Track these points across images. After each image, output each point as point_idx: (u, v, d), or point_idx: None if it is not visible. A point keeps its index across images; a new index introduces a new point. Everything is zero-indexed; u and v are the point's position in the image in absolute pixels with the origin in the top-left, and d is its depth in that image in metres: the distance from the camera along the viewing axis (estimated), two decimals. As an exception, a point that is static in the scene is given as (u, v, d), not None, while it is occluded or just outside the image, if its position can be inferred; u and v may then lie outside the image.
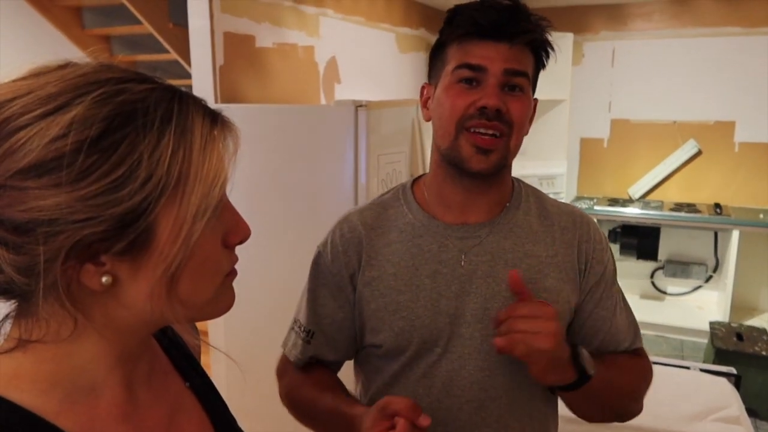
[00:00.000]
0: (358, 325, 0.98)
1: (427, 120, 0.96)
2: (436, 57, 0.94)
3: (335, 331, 0.99)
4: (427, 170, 1.00)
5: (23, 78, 0.48)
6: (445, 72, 0.90)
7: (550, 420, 0.99)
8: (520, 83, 0.87)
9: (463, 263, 0.91)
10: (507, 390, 0.91)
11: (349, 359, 1.05)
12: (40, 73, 0.48)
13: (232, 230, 0.56)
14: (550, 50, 0.91)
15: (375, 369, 0.98)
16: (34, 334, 0.50)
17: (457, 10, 0.90)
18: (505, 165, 0.92)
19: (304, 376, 1.02)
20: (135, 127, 0.47)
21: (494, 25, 0.85)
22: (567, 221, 0.96)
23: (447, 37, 0.91)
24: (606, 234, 4.19)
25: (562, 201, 1.03)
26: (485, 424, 0.91)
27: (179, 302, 0.52)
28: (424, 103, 0.97)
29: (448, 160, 0.91)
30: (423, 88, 0.98)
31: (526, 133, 0.94)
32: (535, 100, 0.95)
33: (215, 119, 0.53)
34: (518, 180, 1.01)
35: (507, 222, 0.94)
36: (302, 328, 1.01)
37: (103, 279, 0.48)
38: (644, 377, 0.98)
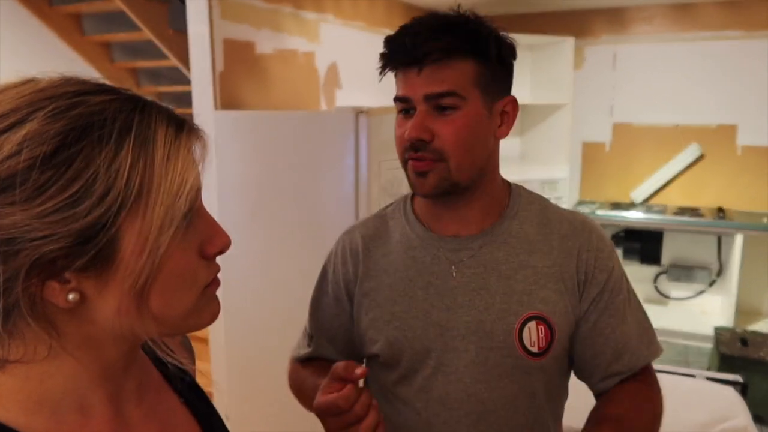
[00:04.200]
0: (357, 335, 0.99)
1: None
2: None
3: (334, 336, 1.03)
4: None
5: None
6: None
7: None
8: (449, 103, 0.85)
9: (454, 275, 0.91)
10: (505, 403, 0.90)
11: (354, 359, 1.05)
12: None
13: (208, 240, 0.54)
14: (490, 44, 0.86)
15: (375, 378, 0.99)
16: (11, 354, 0.49)
17: (384, 42, 0.89)
18: (455, 185, 0.88)
19: (304, 364, 1.07)
20: (90, 141, 0.46)
21: (402, 53, 0.85)
22: (567, 229, 0.93)
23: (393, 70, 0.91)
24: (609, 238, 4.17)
25: (567, 209, 1.00)
26: None
27: (151, 317, 0.50)
28: None
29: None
30: None
31: (502, 136, 0.92)
32: (509, 98, 0.92)
33: (181, 127, 0.51)
34: (519, 188, 1.00)
35: (501, 233, 0.93)
36: (308, 332, 1.07)
37: (70, 296, 0.47)
38: (654, 418, 0.90)
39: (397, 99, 0.89)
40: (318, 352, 1.04)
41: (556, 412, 0.98)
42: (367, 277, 0.97)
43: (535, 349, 0.88)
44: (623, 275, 0.95)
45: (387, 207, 1.05)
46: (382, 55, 0.89)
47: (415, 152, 0.86)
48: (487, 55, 0.86)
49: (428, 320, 0.91)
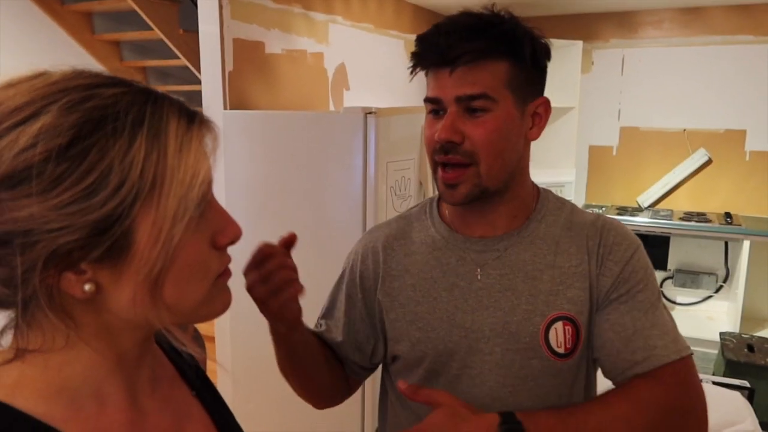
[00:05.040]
0: (380, 335, 0.99)
1: None
2: None
3: (343, 330, 1.02)
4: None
5: None
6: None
7: None
8: (480, 105, 0.84)
9: (479, 277, 0.90)
10: (531, 406, 0.86)
11: (354, 351, 1.03)
12: (11, 84, 0.48)
13: (220, 231, 0.55)
14: (524, 44, 0.85)
15: (397, 377, 0.98)
16: (30, 343, 0.50)
17: (415, 42, 0.89)
18: (486, 190, 0.87)
19: None
20: (104, 133, 0.46)
21: (435, 54, 0.84)
22: (591, 229, 0.92)
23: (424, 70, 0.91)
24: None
25: (593, 212, 0.99)
26: None
27: (165, 306, 0.51)
28: None
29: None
30: None
31: (534, 138, 0.91)
32: (541, 99, 0.90)
33: (192, 119, 0.52)
34: (548, 192, 0.99)
35: (528, 234, 0.92)
36: (318, 321, 1.06)
37: (86, 287, 0.48)
38: (617, 420, 0.80)
39: (427, 100, 0.88)
40: (324, 333, 1.04)
41: None
42: (389, 277, 0.96)
43: (561, 350, 0.86)
44: (648, 274, 0.91)
45: (412, 208, 1.04)
46: (414, 54, 0.88)
47: (445, 154, 0.85)
48: (522, 56, 0.85)
49: (452, 322, 0.90)
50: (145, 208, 0.48)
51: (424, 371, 0.92)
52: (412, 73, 0.90)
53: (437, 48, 0.84)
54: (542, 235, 0.92)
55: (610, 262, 0.89)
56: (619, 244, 0.90)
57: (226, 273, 0.57)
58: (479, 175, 0.86)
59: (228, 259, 0.57)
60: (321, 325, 1.05)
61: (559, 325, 0.86)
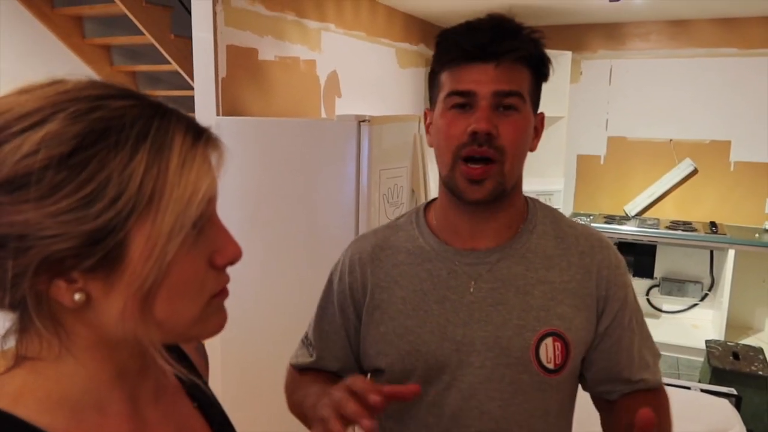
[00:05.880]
0: (362, 348, 0.96)
1: (431, 146, 0.95)
2: (432, 83, 0.93)
3: (337, 347, 1.00)
4: (429, 187, 1.00)
5: (8, 95, 0.48)
6: (440, 99, 0.89)
7: None
8: (513, 103, 0.85)
9: (472, 290, 0.89)
10: (519, 420, 0.88)
11: (354, 372, 1.03)
12: (26, 90, 0.48)
13: (218, 251, 0.54)
14: (547, 62, 0.89)
15: None
16: (29, 350, 0.50)
17: (443, 36, 0.89)
18: (504, 190, 0.88)
19: (303, 372, 1.03)
20: (107, 145, 0.46)
21: (478, 47, 0.83)
22: (585, 245, 0.93)
23: (437, 64, 0.90)
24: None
25: (579, 222, 1.00)
26: None
27: (155, 323, 0.50)
28: (428, 129, 0.96)
29: (449, 189, 0.90)
30: (425, 113, 0.97)
31: (533, 149, 0.93)
32: (541, 114, 0.93)
33: (199, 136, 0.51)
34: (534, 200, 0.99)
35: (519, 247, 0.92)
36: (309, 341, 1.03)
37: (76, 296, 0.47)
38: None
39: (456, 93, 0.86)
40: (319, 363, 1.01)
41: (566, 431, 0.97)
42: (378, 288, 0.94)
43: (551, 366, 0.87)
44: (635, 294, 0.97)
45: (399, 218, 1.02)
46: (449, 46, 0.86)
47: (479, 146, 0.84)
48: (542, 69, 0.89)
49: (443, 335, 0.89)
50: (140, 221, 0.47)
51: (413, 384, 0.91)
52: (440, 67, 0.88)
53: (479, 42, 0.83)
54: (534, 248, 0.92)
55: (617, 287, 0.92)
56: (619, 267, 0.94)
57: (223, 293, 0.56)
58: (503, 174, 0.86)
59: (226, 279, 0.56)
60: (311, 352, 1.02)
61: (549, 340, 0.87)
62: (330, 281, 1.02)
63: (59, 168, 0.45)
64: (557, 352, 0.87)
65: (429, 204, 1.01)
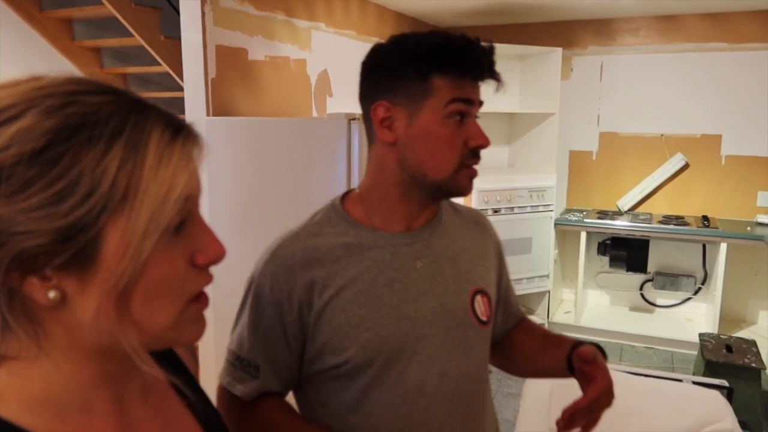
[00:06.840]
0: (311, 351, 0.94)
1: (392, 141, 0.93)
2: (411, 83, 0.91)
3: (281, 363, 0.96)
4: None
5: None
6: (429, 104, 0.90)
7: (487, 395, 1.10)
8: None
9: (419, 266, 0.97)
10: (470, 376, 0.98)
11: (291, 387, 1.01)
12: (2, 86, 0.48)
13: (200, 249, 0.53)
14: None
15: (334, 390, 0.95)
16: (9, 350, 0.49)
17: (444, 47, 0.90)
18: None
19: (255, 408, 0.97)
20: (80, 140, 0.46)
21: (482, 68, 0.92)
22: (473, 215, 1.12)
23: (434, 70, 0.90)
24: (596, 246, 4.22)
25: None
26: (459, 411, 0.96)
27: (132, 323, 0.49)
28: (384, 124, 0.94)
29: (445, 188, 0.95)
30: (378, 106, 0.94)
31: None
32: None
33: (177, 132, 0.51)
34: None
35: (439, 223, 1.02)
36: (246, 362, 0.97)
37: (50, 294, 0.47)
38: None
39: (462, 100, 0.91)
40: (266, 385, 0.96)
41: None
42: (322, 287, 0.93)
43: (484, 318, 1.01)
44: None
45: (314, 217, 1.02)
46: (450, 56, 0.90)
47: (479, 158, 0.96)
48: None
49: (399, 315, 0.93)
50: (115, 218, 0.47)
51: (375, 370, 0.92)
52: (438, 71, 0.91)
53: (480, 62, 0.92)
54: (447, 223, 1.04)
55: (500, 246, 1.14)
56: (494, 229, 1.15)
57: (202, 298, 0.54)
58: None
59: (208, 279, 0.54)
60: (255, 373, 0.96)
61: (479, 297, 1.01)
62: (256, 296, 0.97)
63: (30, 164, 0.44)
64: (485, 307, 1.02)
65: (344, 197, 1.02)
